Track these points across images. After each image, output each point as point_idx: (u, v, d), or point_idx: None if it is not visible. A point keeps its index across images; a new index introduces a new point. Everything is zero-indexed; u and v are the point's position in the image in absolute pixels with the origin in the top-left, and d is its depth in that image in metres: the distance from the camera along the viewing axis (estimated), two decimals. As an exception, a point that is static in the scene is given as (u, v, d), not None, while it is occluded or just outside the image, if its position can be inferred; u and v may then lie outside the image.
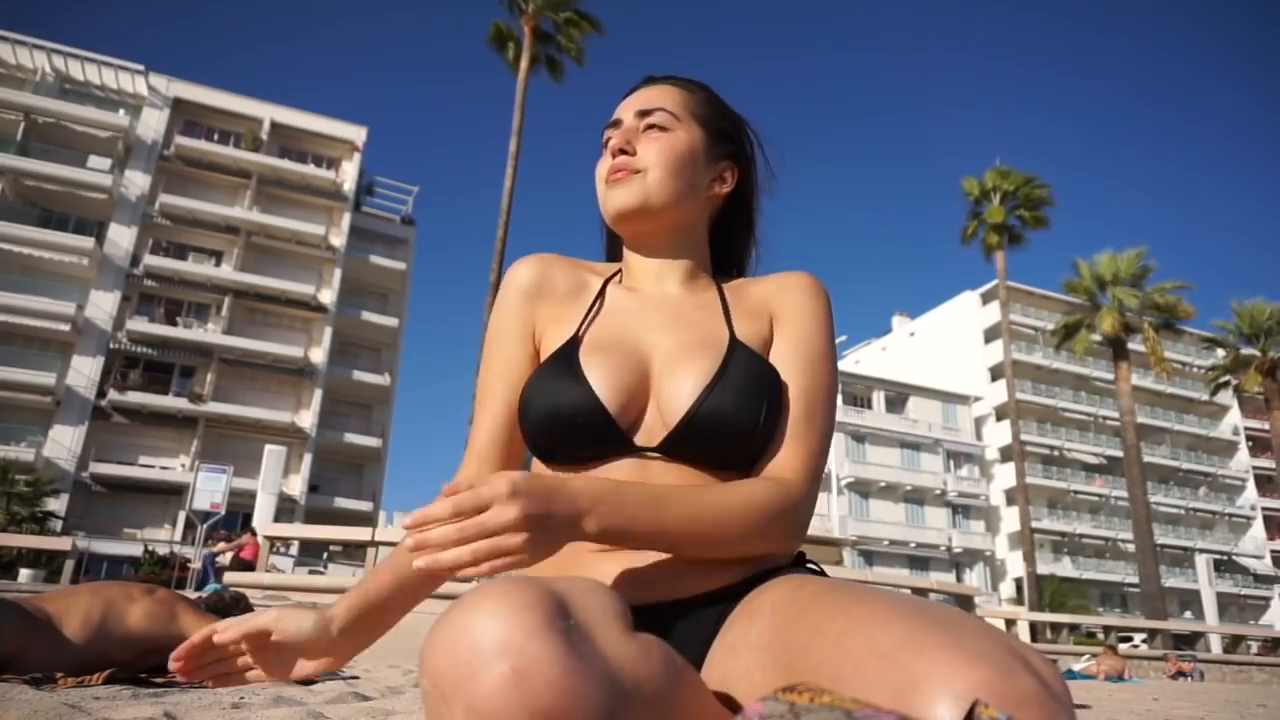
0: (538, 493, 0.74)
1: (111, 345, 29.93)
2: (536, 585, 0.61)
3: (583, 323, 1.03)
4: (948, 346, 48.19)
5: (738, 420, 0.92)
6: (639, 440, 0.94)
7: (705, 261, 1.10)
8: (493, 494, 0.71)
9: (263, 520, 14.27)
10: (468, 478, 0.74)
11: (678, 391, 0.94)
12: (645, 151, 1.04)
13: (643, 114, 1.06)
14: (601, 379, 0.93)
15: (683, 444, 0.92)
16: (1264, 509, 46.94)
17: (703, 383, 0.93)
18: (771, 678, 0.72)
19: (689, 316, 1.03)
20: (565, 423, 0.93)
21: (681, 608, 0.88)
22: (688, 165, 1.05)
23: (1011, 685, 0.56)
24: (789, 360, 1.00)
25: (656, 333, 1.01)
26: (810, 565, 0.98)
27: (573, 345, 0.99)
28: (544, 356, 1.03)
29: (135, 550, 25.52)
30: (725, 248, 1.15)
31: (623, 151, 1.05)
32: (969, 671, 0.56)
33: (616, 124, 1.08)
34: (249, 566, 10.90)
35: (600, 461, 0.94)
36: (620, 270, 1.12)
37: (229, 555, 10.98)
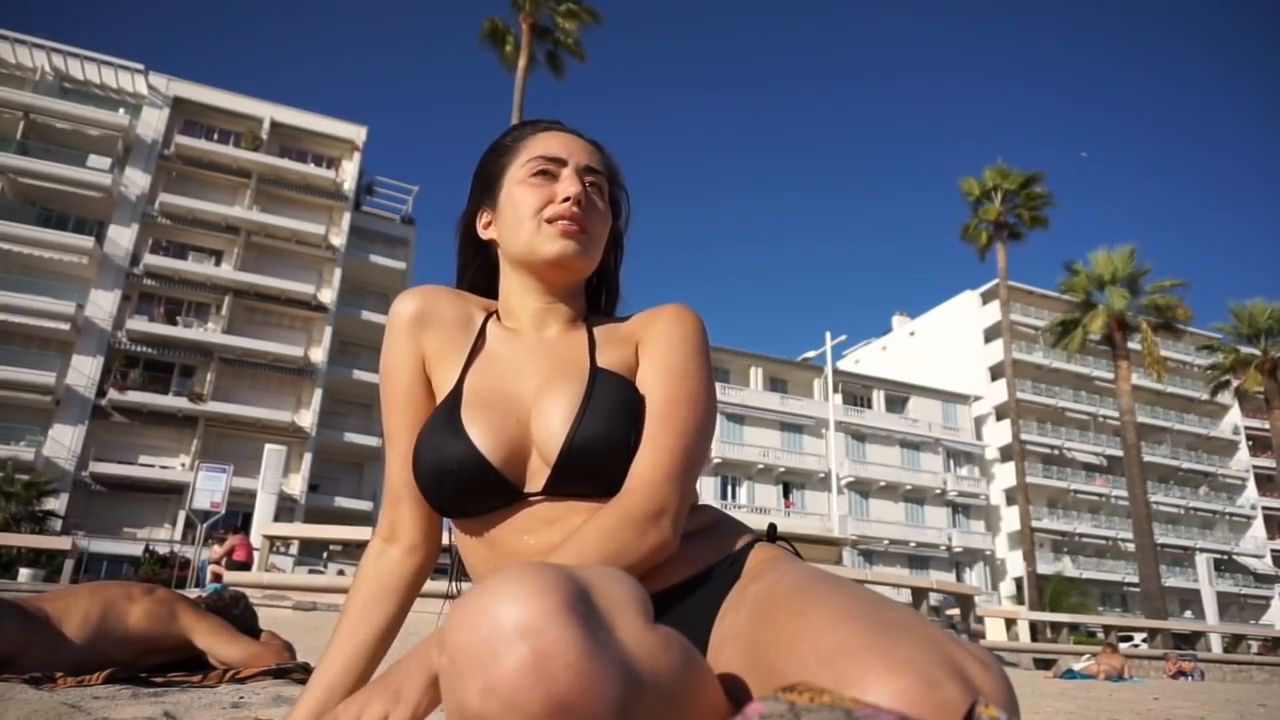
0: (378, 676, 0.83)
1: (111, 345, 29.92)
2: (559, 570, 0.61)
3: (465, 366, 1.06)
4: (948, 346, 48.18)
5: (610, 445, 0.95)
6: (528, 487, 0.97)
7: (583, 306, 1.14)
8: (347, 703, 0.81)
9: (263, 520, 14.26)
10: None
11: (549, 429, 0.97)
12: (590, 218, 1.08)
13: (588, 171, 1.09)
14: (482, 433, 0.97)
15: (565, 480, 0.95)
16: (1264, 508, 46.96)
17: (570, 414, 0.96)
18: (745, 671, 0.75)
19: (558, 355, 1.06)
20: (452, 478, 0.97)
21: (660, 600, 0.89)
22: (606, 237, 1.13)
23: (933, 695, 0.57)
24: (651, 379, 1.02)
25: (531, 377, 1.04)
26: (782, 544, 1.02)
27: (455, 399, 1.02)
28: (434, 390, 1.07)
29: (135, 550, 25.48)
30: (597, 286, 1.20)
31: (579, 203, 1.06)
32: (890, 679, 0.58)
33: (561, 162, 1.08)
34: (244, 567, 10.90)
35: (493, 512, 0.98)
36: (497, 308, 1.14)
37: (224, 561, 10.93)
